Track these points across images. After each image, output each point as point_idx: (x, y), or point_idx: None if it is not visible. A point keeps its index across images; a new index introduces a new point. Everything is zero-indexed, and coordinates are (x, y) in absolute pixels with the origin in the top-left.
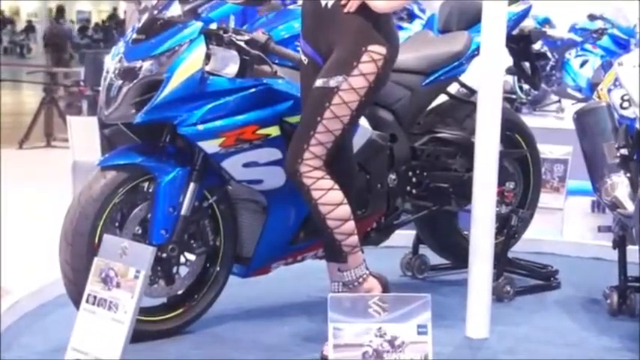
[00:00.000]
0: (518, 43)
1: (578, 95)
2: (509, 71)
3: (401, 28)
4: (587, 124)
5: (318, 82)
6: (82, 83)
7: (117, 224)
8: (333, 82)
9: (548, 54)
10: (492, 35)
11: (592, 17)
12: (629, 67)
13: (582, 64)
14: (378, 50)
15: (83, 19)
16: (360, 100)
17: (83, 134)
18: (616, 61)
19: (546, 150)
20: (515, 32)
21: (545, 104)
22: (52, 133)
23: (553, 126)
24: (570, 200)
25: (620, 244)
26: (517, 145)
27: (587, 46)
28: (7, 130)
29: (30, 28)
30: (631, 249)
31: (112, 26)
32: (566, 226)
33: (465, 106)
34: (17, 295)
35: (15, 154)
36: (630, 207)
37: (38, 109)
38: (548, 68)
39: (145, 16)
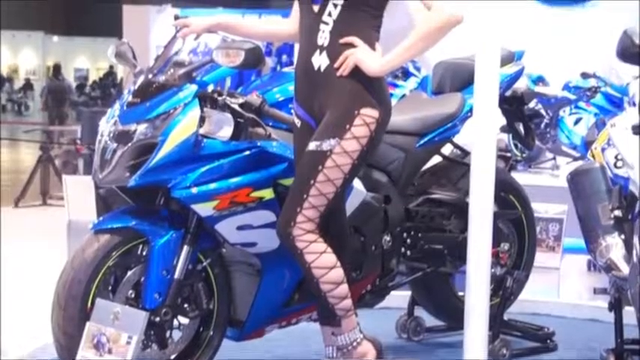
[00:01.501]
0: (512, 104)
1: (573, 153)
2: (503, 129)
3: (396, 85)
4: (581, 186)
5: (311, 146)
6: (78, 141)
7: (110, 288)
8: (326, 146)
9: (542, 111)
10: (485, 97)
11: (585, 75)
12: (622, 129)
13: (576, 122)
14: (370, 114)
15: (81, 77)
16: (353, 164)
17: (79, 193)
18: (609, 122)
19: (541, 209)
20: (508, 93)
21: (540, 162)
22: (48, 191)
23: (548, 184)
24: (567, 259)
25: (616, 306)
26: (511, 206)
27: (581, 104)
28: (3, 188)
29: (28, 86)
30: (627, 310)
31: (110, 84)
32: (562, 285)
33: (458, 167)
34: (12, 357)
35: (11, 212)
36: (625, 269)
37: (35, 168)
38: (542, 126)
39: (140, 79)
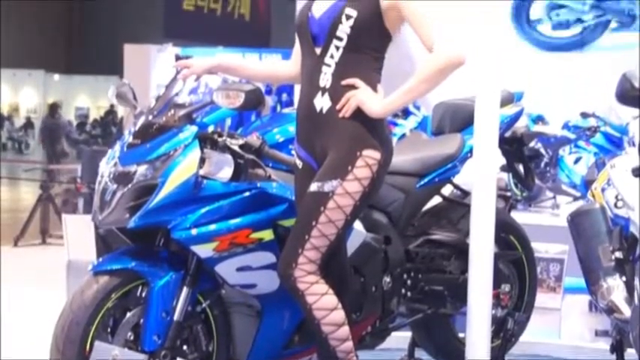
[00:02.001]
0: (511, 145)
1: (573, 192)
2: (503, 169)
3: (396, 124)
4: (582, 227)
5: (313, 187)
6: (78, 180)
7: (109, 330)
8: (327, 187)
9: (542, 151)
10: (485, 138)
11: (585, 115)
12: (622, 170)
13: (576, 161)
14: (372, 155)
15: (82, 115)
16: (355, 205)
17: (78, 232)
18: (609, 163)
19: (542, 249)
20: (508, 134)
21: (540, 200)
22: (47, 230)
23: (548, 223)
24: (568, 299)
25: (617, 349)
26: (512, 247)
27: (581, 143)
28: (3, 227)
29: (29, 124)
30: (629, 353)
31: (110, 122)
32: (564, 326)
33: (459, 207)
34: None
35: (10, 252)
36: (627, 311)
37: (34, 206)
38: (542, 165)
39: (141, 121)
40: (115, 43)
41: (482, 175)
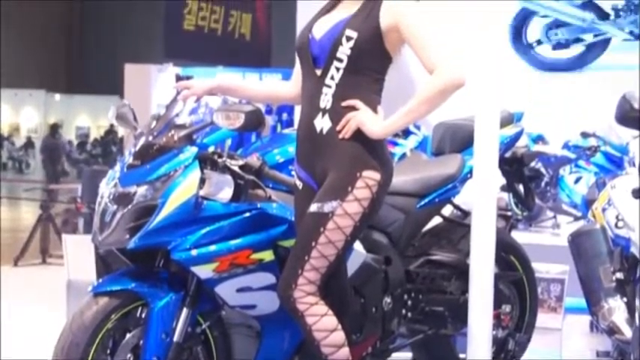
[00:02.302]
0: (511, 165)
1: (574, 212)
2: (503, 188)
3: (396, 144)
4: (582, 247)
5: (313, 208)
6: (78, 200)
7: (108, 351)
8: (327, 208)
9: (543, 170)
10: (485, 158)
11: (585, 135)
12: (622, 191)
13: (577, 181)
14: (372, 176)
15: (82, 135)
16: (355, 226)
17: (78, 252)
18: (609, 183)
19: (543, 269)
20: (508, 155)
21: (541, 220)
22: (47, 250)
23: (549, 243)
24: (569, 319)
25: None
26: (512, 267)
27: (581, 162)
28: (3, 247)
29: (29, 144)
30: None
31: (110, 141)
32: (565, 346)
33: (459, 228)
34: None
35: (10, 271)
36: (628, 332)
37: (34, 226)
38: (542, 184)
39: (141, 141)
40: (115, 63)
41: (483, 196)
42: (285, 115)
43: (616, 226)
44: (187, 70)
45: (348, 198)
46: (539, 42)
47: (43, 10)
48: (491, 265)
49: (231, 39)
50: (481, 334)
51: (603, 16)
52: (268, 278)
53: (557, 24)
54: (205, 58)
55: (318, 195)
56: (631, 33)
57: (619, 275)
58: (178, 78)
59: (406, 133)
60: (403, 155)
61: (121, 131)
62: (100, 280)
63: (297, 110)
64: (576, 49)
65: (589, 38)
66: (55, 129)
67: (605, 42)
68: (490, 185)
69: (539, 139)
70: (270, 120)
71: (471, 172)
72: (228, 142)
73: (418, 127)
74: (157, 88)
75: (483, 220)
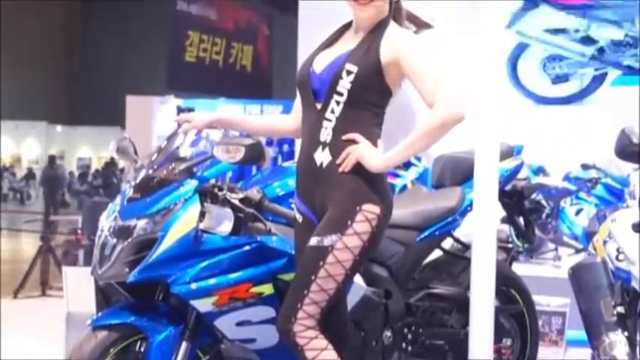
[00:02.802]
0: (512, 198)
1: (575, 244)
2: (504, 220)
3: (397, 175)
4: (583, 281)
5: (313, 241)
6: (79, 231)
7: None
8: (327, 241)
9: (543, 202)
10: (485, 191)
11: (585, 167)
12: (622, 225)
13: (577, 213)
14: (372, 210)
15: (83, 166)
16: (355, 260)
17: (78, 285)
18: (609, 217)
19: (544, 302)
20: (508, 187)
21: (542, 252)
22: (47, 281)
23: (550, 275)
24: (570, 352)
25: None
26: (513, 301)
27: (582, 194)
28: (3, 278)
29: (30, 175)
30: None
31: (112, 173)
32: None
33: (459, 261)
34: None
35: (9, 303)
36: None
37: (34, 258)
38: (543, 216)
39: (141, 174)
40: (117, 94)
41: (483, 229)
42: (286, 147)
43: (617, 258)
44: (189, 101)
45: (347, 232)
46: (536, 78)
47: (44, 42)
48: (492, 299)
49: (232, 70)
50: None
51: (602, 50)
52: (268, 312)
53: (555, 58)
54: (207, 89)
55: (318, 229)
56: (629, 67)
57: (620, 309)
58: (180, 110)
59: (407, 164)
60: (404, 187)
61: (122, 162)
62: (99, 314)
63: (298, 142)
64: (575, 83)
65: (588, 72)
66: (53, 160)
67: (603, 76)
68: (490, 218)
69: (539, 170)
70: (271, 152)
71: (471, 205)
72: (229, 173)
73: (419, 159)
74: (158, 120)
75: (483, 253)
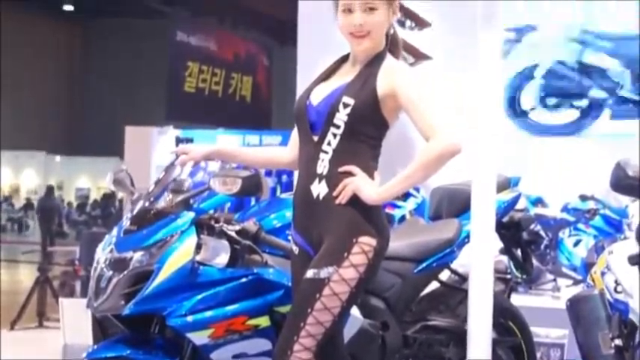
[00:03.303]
0: (509, 230)
1: (574, 275)
2: (502, 251)
3: (395, 206)
4: (581, 313)
5: (309, 274)
6: (76, 262)
7: None
8: (323, 273)
9: (542, 233)
10: (482, 223)
11: (584, 198)
12: (619, 257)
13: (576, 244)
14: (368, 242)
15: (82, 196)
16: (351, 292)
17: (75, 316)
18: (607, 249)
19: (542, 333)
20: (505, 219)
21: (541, 283)
22: (44, 313)
23: (549, 306)
24: None
25: None
26: (510, 333)
27: (581, 225)
28: (1, 310)
29: (29, 205)
30: None
31: (110, 203)
32: None
33: (457, 293)
34: None
35: (6, 335)
36: None
37: (32, 289)
38: (542, 247)
39: (138, 206)
40: (116, 125)
41: (480, 261)
42: (285, 178)
43: (615, 290)
44: (187, 132)
45: (344, 264)
46: (533, 108)
47: (44, 71)
48: (489, 331)
49: (231, 101)
50: None
51: (600, 81)
52: (264, 344)
53: (552, 90)
54: (206, 119)
55: (314, 261)
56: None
57: (618, 342)
58: (178, 140)
59: (406, 195)
60: (402, 217)
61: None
62: (96, 346)
63: (297, 173)
64: (571, 114)
65: (584, 104)
66: (51, 190)
67: (600, 107)
68: (487, 250)
69: (538, 201)
70: (269, 182)
71: (468, 236)
72: (228, 203)
73: (417, 190)
74: (157, 150)
75: (481, 285)
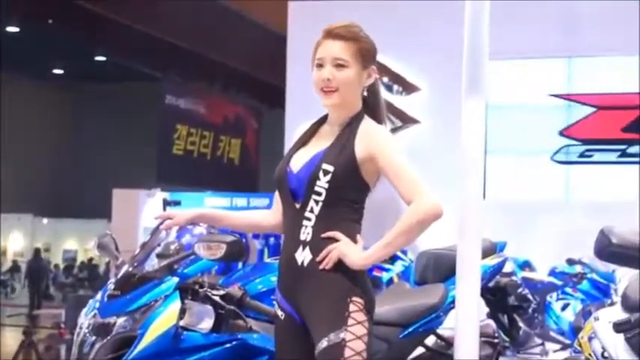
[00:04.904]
0: (495, 295)
1: (561, 339)
2: (489, 315)
3: (383, 269)
4: None
5: (323, 344)
6: (62, 325)
7: None
8: (337, 338)
9: (529, 296)
10: (467, 288)
11: (571, 262)
12: (605, 323)
13: (564, 308)
14: (360, 300)
15: (69, 258)
16: (366, 346)
17: None
18: (593, 315)
19: None
20: (491, 284)
21: (529, 347)
22: None
23: None
24: None
25: None
26: None
27: (568, 289)
28: None
29: (15, 267)
30: None
31: (97, 265)
32: None
33: (442, 358)
34: None
35: None
36: None
37: (16, 353)
38: (530, 311)
39: (122, 271)
40: (103, 187)
41: (465, 326)
42: (272, 240)
43: (602, 356)
44: (175, 195)
45: (349, 322)
46: None
47: (32, 134)
48: None
49: (220, 163)
50: None
51: None
52: None
53: None
54: (195, 182)
55: (318, 331)
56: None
57: None
58: (166, 203)
59: (393, 257)
60: (390, 280)
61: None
62: None
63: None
64: None
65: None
66: (38, 253)
67: None
68: (473, 316)
69: (525, 265)
70: (257, 244)
71: (453, 301)
72: (215, 266)
73: (405, 252)
74: (144, 213)
75: (466, 350)
